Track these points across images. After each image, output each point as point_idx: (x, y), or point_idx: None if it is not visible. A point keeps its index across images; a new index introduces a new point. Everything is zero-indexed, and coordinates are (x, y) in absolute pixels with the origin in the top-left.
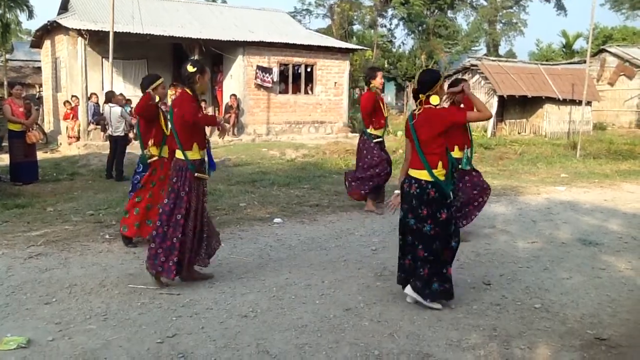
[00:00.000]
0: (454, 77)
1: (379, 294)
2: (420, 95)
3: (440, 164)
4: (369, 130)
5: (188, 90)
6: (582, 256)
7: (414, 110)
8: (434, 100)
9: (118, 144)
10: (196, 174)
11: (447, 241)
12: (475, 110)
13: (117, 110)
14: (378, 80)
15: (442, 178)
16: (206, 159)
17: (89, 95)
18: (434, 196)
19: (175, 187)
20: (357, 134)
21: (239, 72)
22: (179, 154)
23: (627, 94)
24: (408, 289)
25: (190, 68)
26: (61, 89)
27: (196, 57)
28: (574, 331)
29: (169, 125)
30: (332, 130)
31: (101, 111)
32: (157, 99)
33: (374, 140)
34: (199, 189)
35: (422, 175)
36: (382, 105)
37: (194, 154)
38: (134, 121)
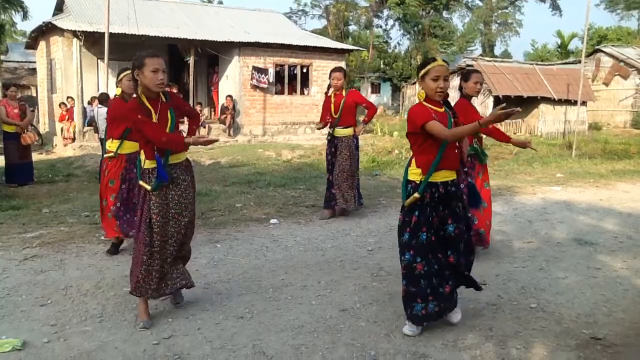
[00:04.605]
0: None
1: (375, 295)
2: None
3: None
4: None
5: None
6: (577, 256)
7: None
8: (420, 95)
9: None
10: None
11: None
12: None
13: (103, 111)
14: (334, 81)
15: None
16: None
17: (89, 100)
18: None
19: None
20: None
21: (235, 73)
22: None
23: (621, 94)
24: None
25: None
26: (56, 90)
27: (192, 58)
28: (569, 331)
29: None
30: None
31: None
32: (120, 91)
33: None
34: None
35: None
36: (332, 103)
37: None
38: None
